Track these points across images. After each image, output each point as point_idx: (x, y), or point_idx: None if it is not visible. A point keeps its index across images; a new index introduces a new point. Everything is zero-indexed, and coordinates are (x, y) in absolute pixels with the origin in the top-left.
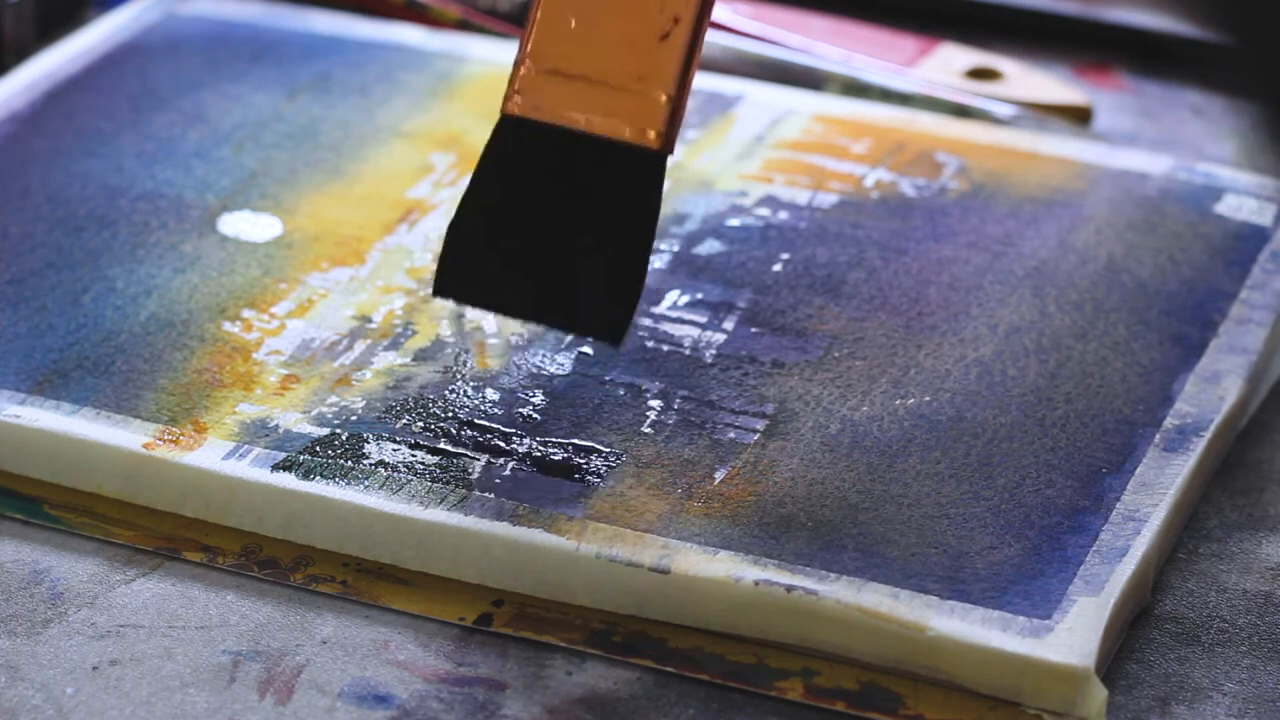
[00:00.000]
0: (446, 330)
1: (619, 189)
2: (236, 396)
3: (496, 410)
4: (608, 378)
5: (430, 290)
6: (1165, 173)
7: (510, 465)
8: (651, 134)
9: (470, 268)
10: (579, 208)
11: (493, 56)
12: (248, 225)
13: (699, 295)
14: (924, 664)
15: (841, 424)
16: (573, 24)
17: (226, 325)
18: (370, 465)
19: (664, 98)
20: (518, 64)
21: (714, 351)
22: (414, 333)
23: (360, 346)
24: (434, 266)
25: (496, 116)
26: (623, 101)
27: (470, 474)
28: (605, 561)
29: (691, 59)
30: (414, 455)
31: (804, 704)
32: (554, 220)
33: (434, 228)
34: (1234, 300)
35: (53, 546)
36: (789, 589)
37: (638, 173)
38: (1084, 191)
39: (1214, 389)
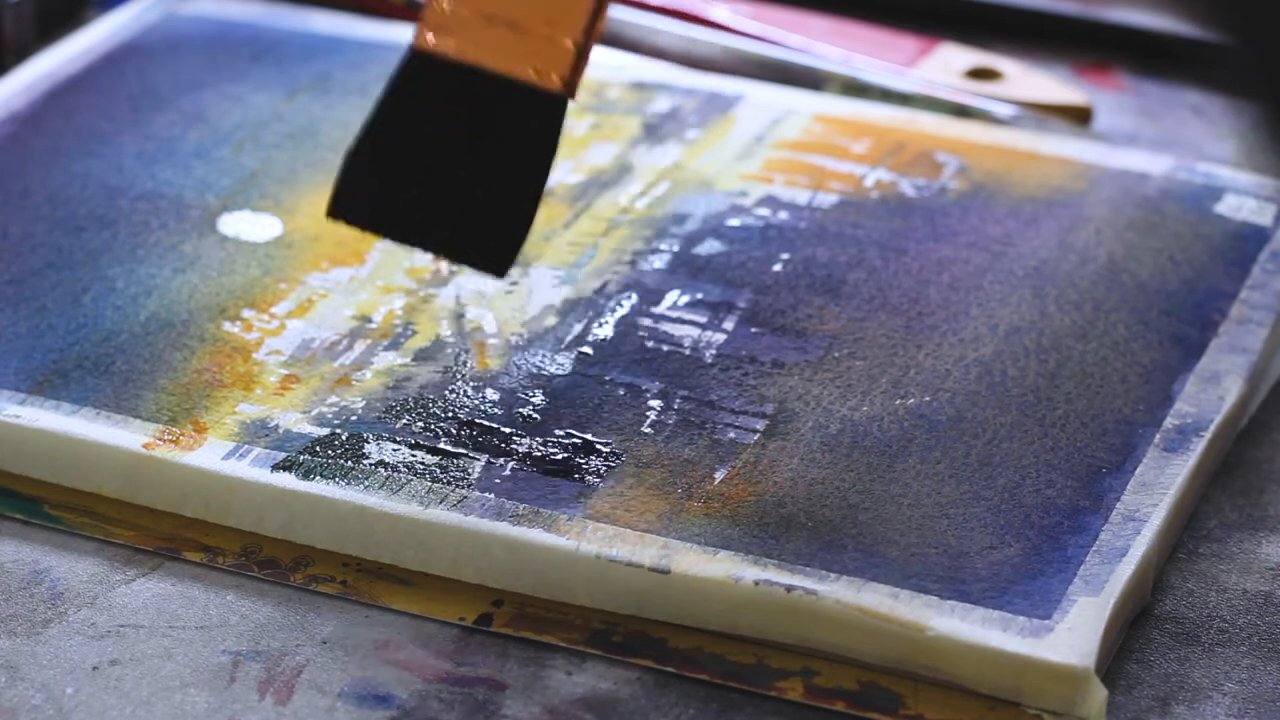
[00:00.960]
0: (446, 330)
1: (519, 129)
2: (236, 396)
3: (496, 410)
4: (608, 378)
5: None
6: (1165, 173)
7: (510, 465)
8: (555, 77)
9: (367, 193)
10: (477, 143)
11: None
12: (248, 225)
13: (699, 295)
14: (924, 664)
15: (841, 424)
16: None
17: (226, 325)
18: (370, 465)
19: (570, 43)
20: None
21: (714, 351)
22: (414, 333)
23: (360, 346)
24: (332, 194)
25: None
26: (531, 44)
27: (470, 474)
28: (605, 561)
29: (600, 6)
30: (414, 455)
31: (804, 704)
32: (452, 153)
33: None
34: (1234, 300)
35: (53, 546)
36: (789, 589)
37: (539, 114)
38: (1084, 191)
39: (1214, 389)
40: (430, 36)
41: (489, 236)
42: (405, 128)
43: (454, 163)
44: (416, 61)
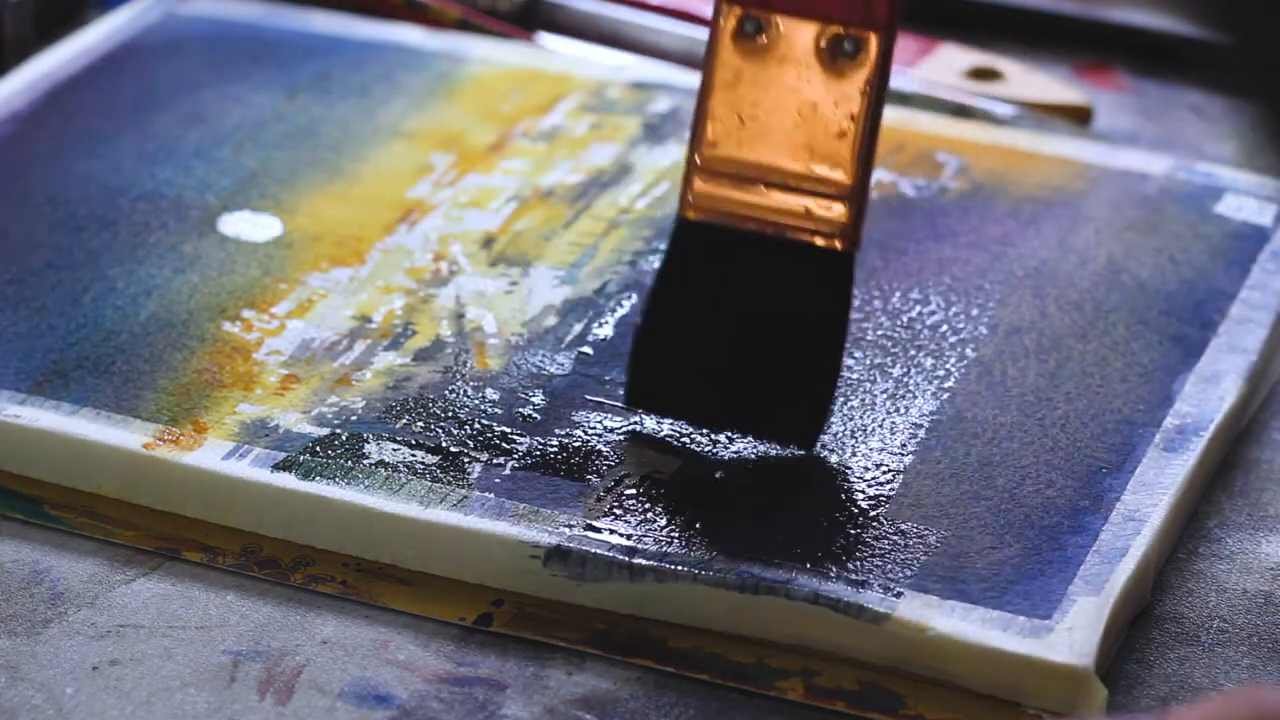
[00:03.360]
0: (446, 330)
1: (805, 290)
2: (236, 396)
3: (496, 410)
4: (608, 378)
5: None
6: (1165, 173)
7: (510, 465)
8: (835, 234)
9: (659, 376)
10: (765, 312)
11: (493, 56)
12: (248, 225)
13: None
14: (924, 664)
15: (841, 424)
16: (743, 123)
17: (226, 325)
18: (370, 465)
19: (845, 195)
20: (689, 165)
21: None
22: (414, 333)
23: (360, 346)
24: (628, 383)
25: (495, 116)
26: (801, 203)
27: (470, 474)
28: (605, 561)
29: (870, 154)
30: (414, 455)
31: (804, 704)
32: (740, 325)
33: (433, 227)
34: (1234, 300)
35: (53, 546)
36: (789, 589)
37: (824, 273)
38: (1084, 191)
39: (1214, 389)
40: (695, 205)
41: (794, 409)
42: (686, 303)
43: (742, 334)
44: (686, 233)
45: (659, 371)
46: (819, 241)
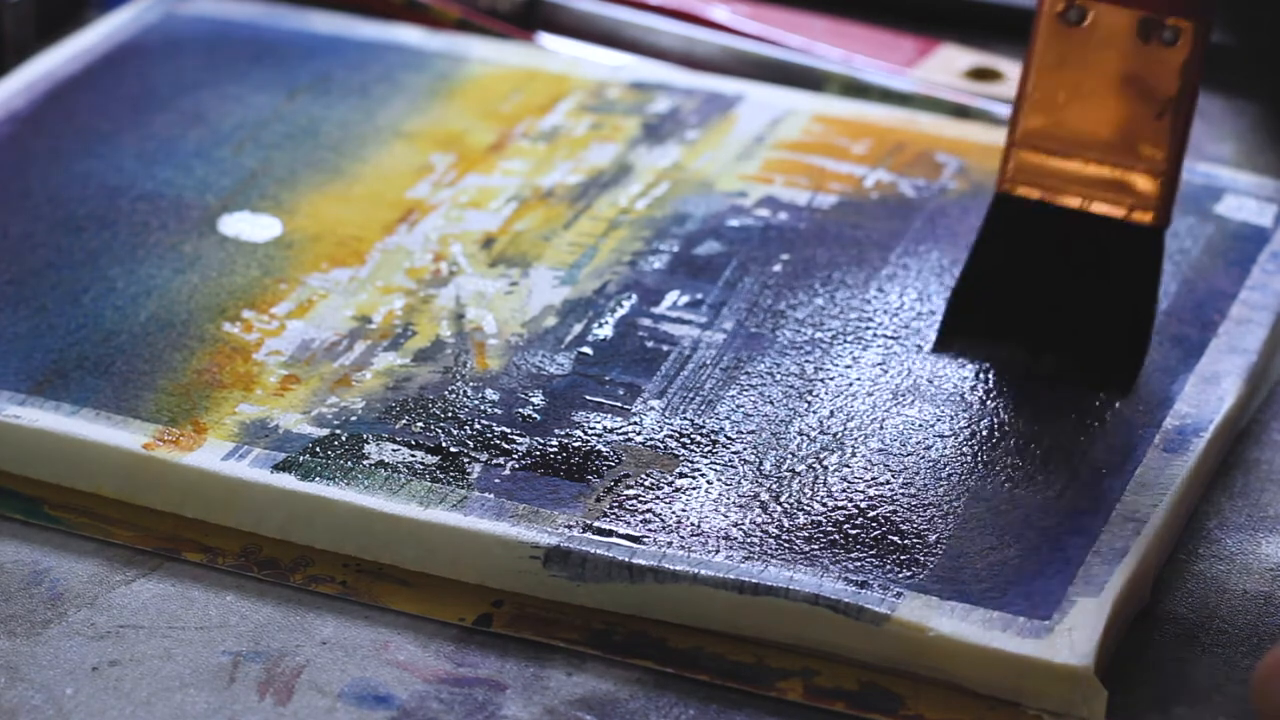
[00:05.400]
0: (446, 330)
1: (1117, 265)
2: (236, 397)
3: (496, 410)
4: (608, 378)
5: None
6: None
7: (510, 465)
8: (1148, 211)
9: (969, 334)
10: (1076, 283)
11: (493, 56)
12: (248, 225)
13: (699, 295)
14: (924, 664)
15: (842, 425)
16: (1063, 101)
17: (226, 325)
18: (370, 465)
19: (1159, 175)
20: (1009, 144)
21: (714, 352)
22: (414, 333)
23: (360, 347)
24: (939, 335)
25: (495, 116)
26: (1116, 179)
27: (470, 474)
28: (604, 562)
29: (1185, 137)
30: (414, 455)
31: (804, 704)
32: (1050, 294)
33: (433, 228)
34: (1234, 300)
35: (53, 546)
36: (789, 589)
37: (1135, 248)
38: None
39: (1214, 389)
40: (1012, 179)
41: (1104, 362)
42: (999, 272)
43: (1052, 303)
44: (1002, 206)
45: (969, 328)
46: (1131, 219)
